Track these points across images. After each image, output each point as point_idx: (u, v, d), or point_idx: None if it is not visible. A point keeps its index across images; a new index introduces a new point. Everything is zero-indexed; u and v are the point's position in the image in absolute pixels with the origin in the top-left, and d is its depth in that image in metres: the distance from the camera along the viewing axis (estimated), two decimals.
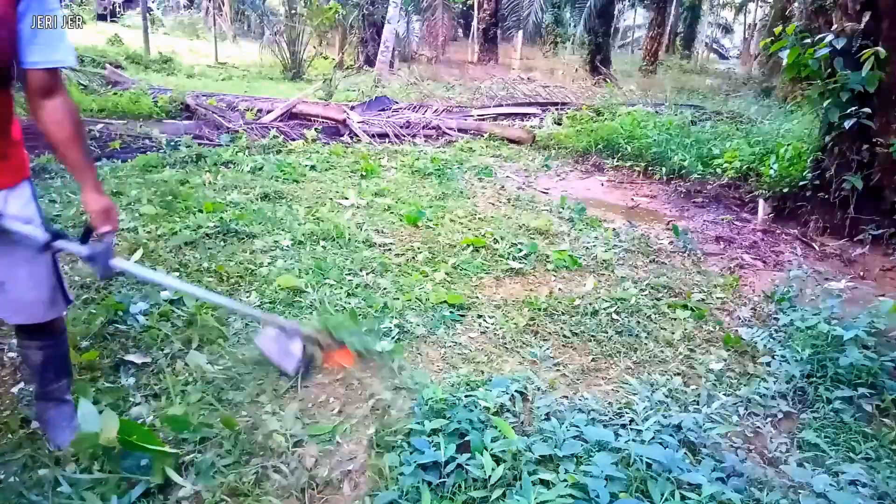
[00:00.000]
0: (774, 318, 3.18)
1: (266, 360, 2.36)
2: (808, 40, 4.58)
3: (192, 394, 2.19)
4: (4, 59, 1.34)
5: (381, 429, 2.07)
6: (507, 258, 3.80)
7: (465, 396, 2.24)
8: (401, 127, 7.91)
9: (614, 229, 4.59)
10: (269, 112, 7.94)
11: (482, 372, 2.53)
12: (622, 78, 15.41)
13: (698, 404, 2.39)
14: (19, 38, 1.34)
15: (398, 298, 3.06)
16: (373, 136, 7.48)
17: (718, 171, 6.03)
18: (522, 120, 9.16)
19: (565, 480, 1.79)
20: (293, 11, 15.92)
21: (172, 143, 6.14)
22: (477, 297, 3.25)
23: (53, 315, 1.80)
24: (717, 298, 3.48)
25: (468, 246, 3.92)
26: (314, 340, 2.33)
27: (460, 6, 22.67)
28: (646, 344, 2.90)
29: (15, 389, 2.20)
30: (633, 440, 2.00)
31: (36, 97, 1.47)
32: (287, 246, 3.70)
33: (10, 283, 1.65)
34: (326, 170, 5.79)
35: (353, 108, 8.65)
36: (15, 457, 1.86)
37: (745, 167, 5.91)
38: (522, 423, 2.19)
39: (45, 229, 1.63)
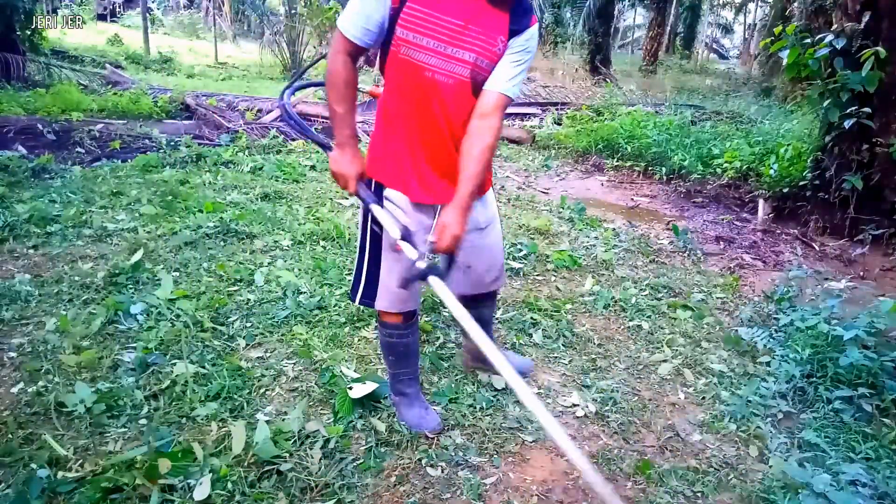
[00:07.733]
0: (774, 318, 3.18)
1: None
2: (808, 40, 4.57)
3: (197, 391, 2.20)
4: (483, 81, 1.75)
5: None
6: (507, 258, 3.80)
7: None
8: None
9: (614, 229, 4.59)
10: (269, 112, 7.93)
11: None
12: (622, 78, 15.39)
13: None
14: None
15: None
16: None
17: (718, 171, 6.03)
18: (522, 120, 9.15)
19: None
20: (293, 11, 15.88)
21: (172, 143, 6.14)
22: None
23: (502, 285, 2.29)
24: (717, 298, 3.48)
25: None
26: None
27: None
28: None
29: (15, 389, 2.19)
30: None
31: (475, 113, 1.75)
32: (287, 246, 3.70)
33: (473, 266, 2.04)
34: (326, 170, 5.78)
35: None
36: (15, 457, 1.86)
37: (745, 167, 5.90)
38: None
39: (423, 258, 1.68)
